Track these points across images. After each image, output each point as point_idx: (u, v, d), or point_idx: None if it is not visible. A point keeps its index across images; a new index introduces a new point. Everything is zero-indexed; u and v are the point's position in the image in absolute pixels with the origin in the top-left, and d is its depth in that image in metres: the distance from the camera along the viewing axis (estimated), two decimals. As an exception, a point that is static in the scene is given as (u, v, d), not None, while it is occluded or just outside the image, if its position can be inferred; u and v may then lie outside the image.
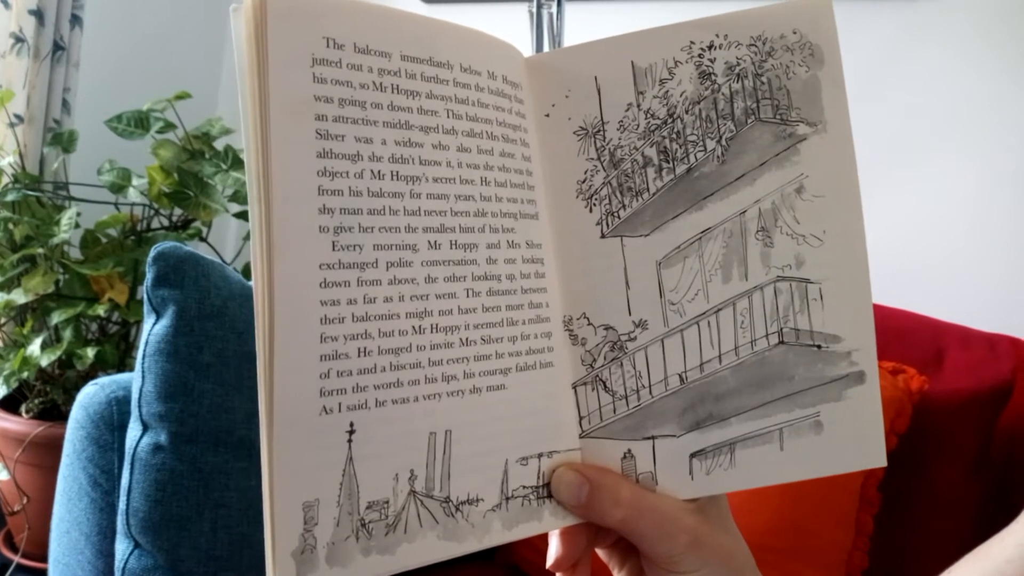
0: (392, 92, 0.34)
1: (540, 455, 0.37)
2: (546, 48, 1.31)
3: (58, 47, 1.63)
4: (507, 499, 0.36)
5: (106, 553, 0.89)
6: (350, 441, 0.32)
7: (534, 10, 1.30)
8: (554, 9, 1.29)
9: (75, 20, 1.65)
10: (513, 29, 1.46)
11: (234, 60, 0.32)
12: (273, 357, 0.31)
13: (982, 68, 1.27)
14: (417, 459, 0.33)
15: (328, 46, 0.32)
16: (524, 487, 0.36)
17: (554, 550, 0.40)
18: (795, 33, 0.38)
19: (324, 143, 0.32)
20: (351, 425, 0.32)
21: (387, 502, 0.33)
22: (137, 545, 0.83)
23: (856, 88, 1.39)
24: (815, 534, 0.92)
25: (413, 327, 0.33)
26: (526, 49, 1.36)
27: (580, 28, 1.50)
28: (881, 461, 0.38)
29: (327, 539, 0.31)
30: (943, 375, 1.02)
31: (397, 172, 0.33)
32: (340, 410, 0.32)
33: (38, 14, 1.57)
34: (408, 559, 0.33)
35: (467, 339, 0.35)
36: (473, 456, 0.35)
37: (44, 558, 1.06)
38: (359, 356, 0.32)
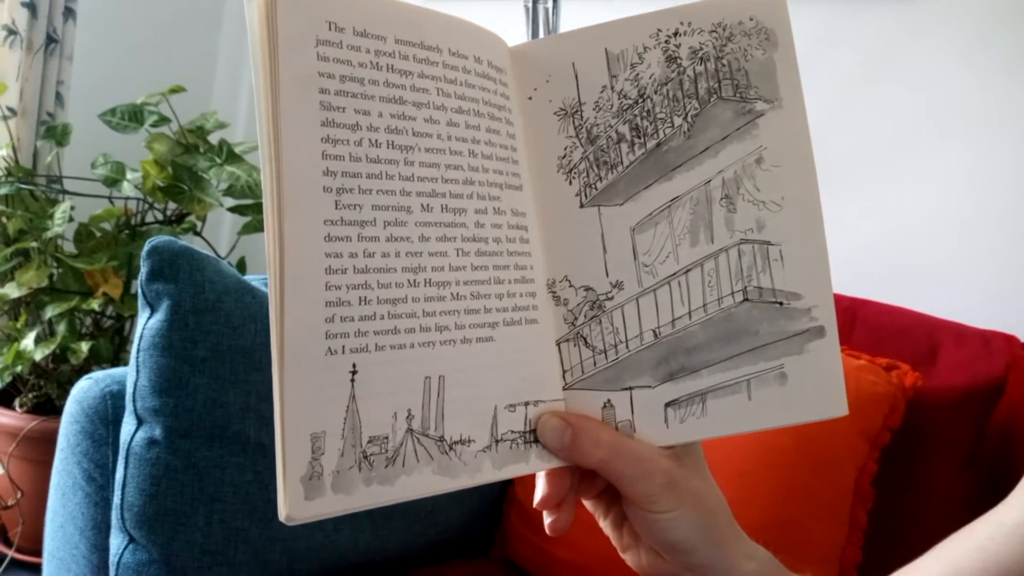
0: (387, 71, 0.39)
1: (527, 403, 0.42)
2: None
3: (51, 40, 1.67)
4: (496, 442, 0.41)
5: (100, 547, 0.91)
6: (353, 381, 0.37)
7: (529, 5, 1.34)
8: (549, 4, 1.32)
9: (68, 13, 1.69)
10: (510, 25, 1.49)
11: (239, 43, 0.38)
12: (283, 302, 0.36)
13: (980, 65, 1.29)
14: (414, 400, 0.38)
15: (330, 29, 0.38)
16: (512, 432, 0.41)
17: (540, 490, 0.45)
18: (752, 20, 0.44)
19: (327, 113, 0.38)
20: (353, 366, 0.37)
21: (387, 438, 0.37)
22: (131, 539, 0.85)
23: (854, 84, 1.41)
24: (808, 529, 0.95)
25: (408, 280, 0.39)
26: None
27: (575, 23, 1.50)
28: (843, 410, 0.43)
29: (333, 468, 0.36)
30: (937, 371, 1.04)
31: (392, 141, 0.39)
32: (344, 352, 0.37)
33: (31, 6, 1.62)
34: (406, 491, 0.38)
35: (457, 294, 0.40)
36: (465, 400, 0.40)
37: (38, 552, 1.08)
38: (360, 304, 0.37)
